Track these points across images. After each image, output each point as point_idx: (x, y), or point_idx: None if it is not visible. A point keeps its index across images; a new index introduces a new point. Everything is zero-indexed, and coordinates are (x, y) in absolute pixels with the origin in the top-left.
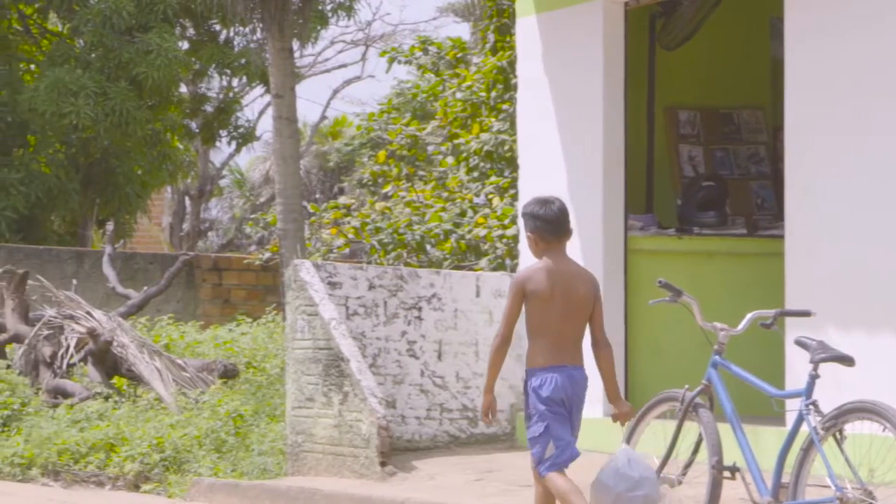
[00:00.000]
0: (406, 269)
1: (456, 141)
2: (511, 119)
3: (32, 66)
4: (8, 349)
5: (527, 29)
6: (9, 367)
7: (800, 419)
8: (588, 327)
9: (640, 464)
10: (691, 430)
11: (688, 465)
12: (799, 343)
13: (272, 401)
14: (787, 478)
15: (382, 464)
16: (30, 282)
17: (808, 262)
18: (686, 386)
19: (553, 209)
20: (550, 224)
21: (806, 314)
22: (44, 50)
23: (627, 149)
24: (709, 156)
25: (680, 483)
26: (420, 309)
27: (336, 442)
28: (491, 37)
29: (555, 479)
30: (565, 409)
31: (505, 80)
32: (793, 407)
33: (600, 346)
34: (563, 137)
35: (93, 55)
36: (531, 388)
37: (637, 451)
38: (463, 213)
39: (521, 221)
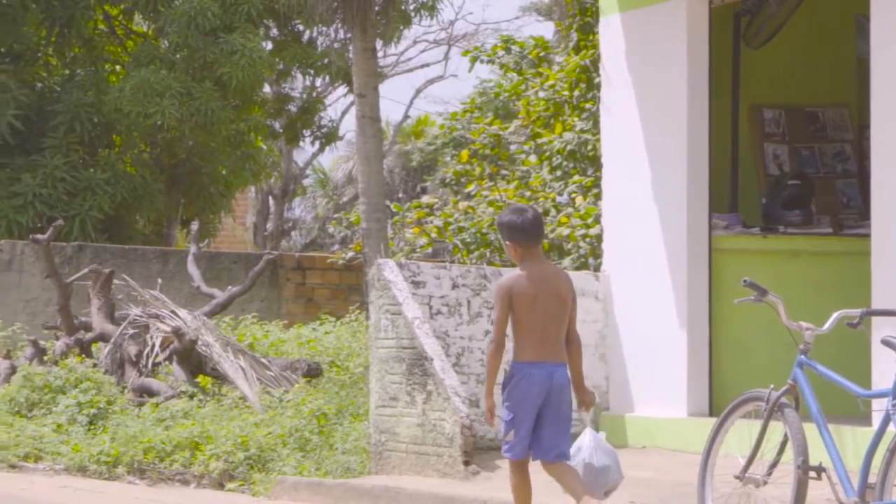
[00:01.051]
0: (489, 269)
1: (539, 140)
2: (594, 118)
3: (118, 67)
4: (94, 348)
5: (610, 27)
6: (95, 365)
7: (886, 419)
8: None
9: (604, 451)
10: (776, 430)
11: (773, 466)
12: (885, 343)
13: (356, 400)
14: (873, 478)
15: (466, 463)
16: (115, 281)
17: (895, 261)
18: (771, 386)
19: (527, 217)
20: (525, 232)
21: (892, 313)
22: (129, 51)
23: (712, 147)
24: (794, 154)
25: (765, 483)
26: None
27: (419, 441)
28: (574, 35)
29: (512, 471)
30: (537, 405)
31: (588, 78)
32: (879, 407)
33: (572, 339)
34: (647, 136)
35: (178, 56)
36: (512, 381)
37: (600, 437)
38: (546, 213)
39: (605, 225)
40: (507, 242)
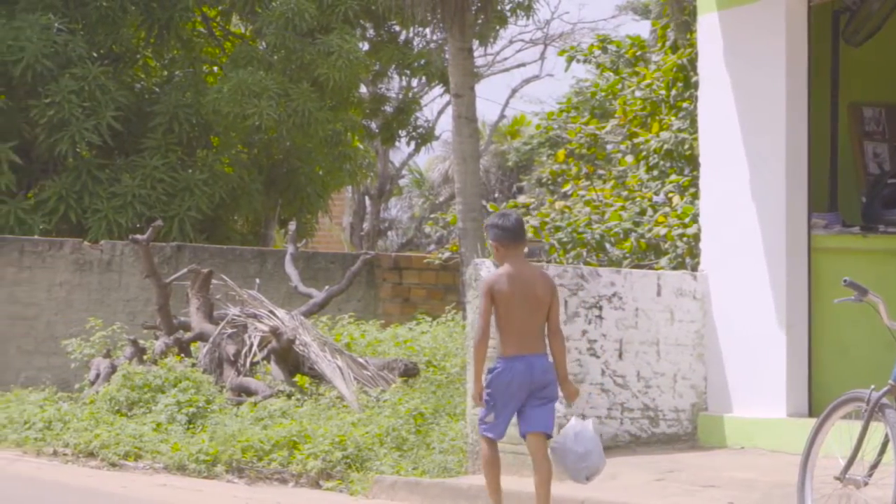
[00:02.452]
0: (586, 268)
1: (635, 139)
2: (691, 117)
3: (216, 69)
4: (193, 347)
5: (708, 26)
6: (194, 365)
7: None
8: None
9: (586, 437)
10: (877, 430)
11: (874, 467)
12: None
13: (452, 399)
14: None
15: None
16: (214, 281)
17: None
18: (872, 386)
19: (511, 220)
20: (509, 233)
21: None
22: (227, 52)
23: (811, 146)
24: (894, 153)
25: (866, 484)
26: (601, 308)
27: (517, 441)
28: (671, 34)
29: (483, 445)
30: (519, 393)
31: (685, 77)
32: None
33: (554, 335)
34: (745, 135)
35: (275, 57)
36: (495, 372)
37: (586, 424)
38: (643, 212)
39: (703, 224)
40: (493, 243)
